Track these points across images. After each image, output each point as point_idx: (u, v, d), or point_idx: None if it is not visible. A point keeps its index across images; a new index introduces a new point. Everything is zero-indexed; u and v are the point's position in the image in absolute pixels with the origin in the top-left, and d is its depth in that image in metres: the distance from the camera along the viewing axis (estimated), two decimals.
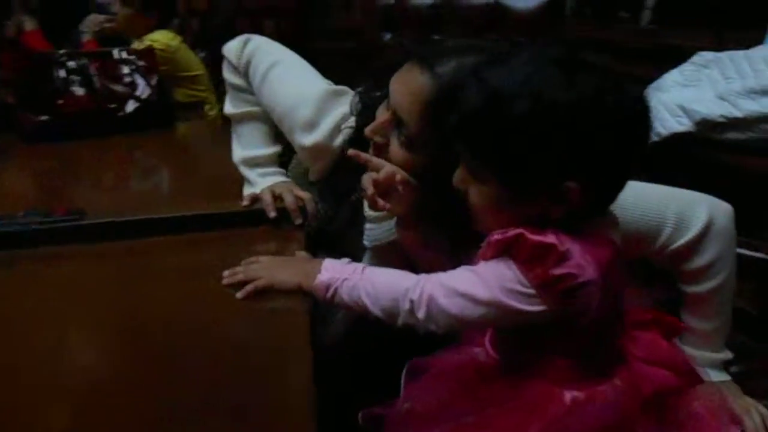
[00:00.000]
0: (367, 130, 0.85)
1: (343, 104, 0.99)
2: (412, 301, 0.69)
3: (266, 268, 0.80)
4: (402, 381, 0.84)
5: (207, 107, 2.13)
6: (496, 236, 0.65)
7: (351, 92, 1.01)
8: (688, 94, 1.96)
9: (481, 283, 0.66)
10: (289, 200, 0.97)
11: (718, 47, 2.05)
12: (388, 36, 1.82)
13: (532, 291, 0.64)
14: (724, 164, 1.77)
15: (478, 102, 0.64)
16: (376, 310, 0.72)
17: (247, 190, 1.06)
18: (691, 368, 0.74)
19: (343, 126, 0.98)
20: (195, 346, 0.68)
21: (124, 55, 1.53)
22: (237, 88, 1.09)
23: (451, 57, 0.78)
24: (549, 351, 0.70)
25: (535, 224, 0.65)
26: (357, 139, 0.93)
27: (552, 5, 1.59)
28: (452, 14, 1.70)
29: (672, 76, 2.06)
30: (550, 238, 0.62)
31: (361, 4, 1.86)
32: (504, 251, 0.65)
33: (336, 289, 0.74)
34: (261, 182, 1.05)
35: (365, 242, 0.94)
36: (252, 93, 1.07)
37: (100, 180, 1.24)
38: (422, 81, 0.78)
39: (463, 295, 0.66)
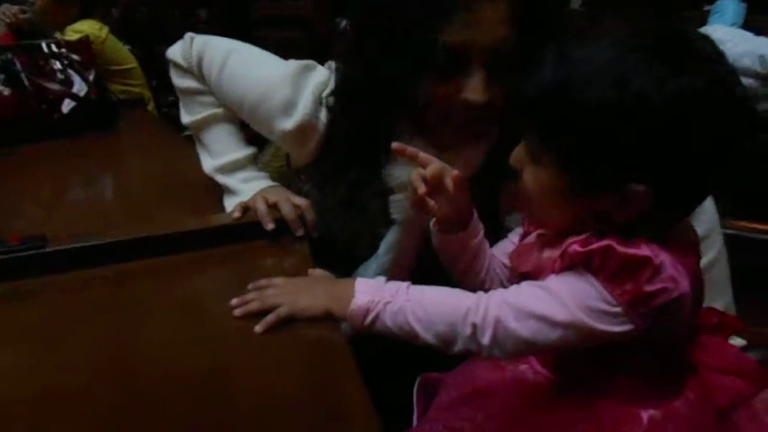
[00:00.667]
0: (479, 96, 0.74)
1: (317, 75, 0.90)
2: (474, 325, 0.60)
3: (285, 293, 0.69)
4: (414, 397, 0.76)
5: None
6: (575, 247, 0.57)
7: (318, 65, 0.92)
8: None
9: (556, 302, 0.58)
10: (287, 210, 0.86)
11: None
12: (343, 22, 1.71)
13: (619, 309, 0.56)
14: None
15: (554, 79, 0.56)
16: (428, 337, 0.63)
17: (231, 200, 0.94)
18: (761, 372, 0.70)
19: (323, 95, 0.88)
20: (208, 403, 0.55)
21: (55, 48, 1.34)
22: (191, 92, 0.99)
23: None
24: (619, 368, 0.64)
25: (592, 224, 0.58)
26: (342, 103, 0.86)
27: None
28: None
29: None
30: (644, 250, 0.54)
31: None
32: (583, 264, 0.57)
33: (377, 315, 0.64)
34: (246, 189, 0.94)
35: (395, 216, 0.86)
36: (209, 93, 0.97)
37: (47, 196, 1.07)
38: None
39: (538, 317, 0.58)
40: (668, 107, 0.52)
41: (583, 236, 0.58)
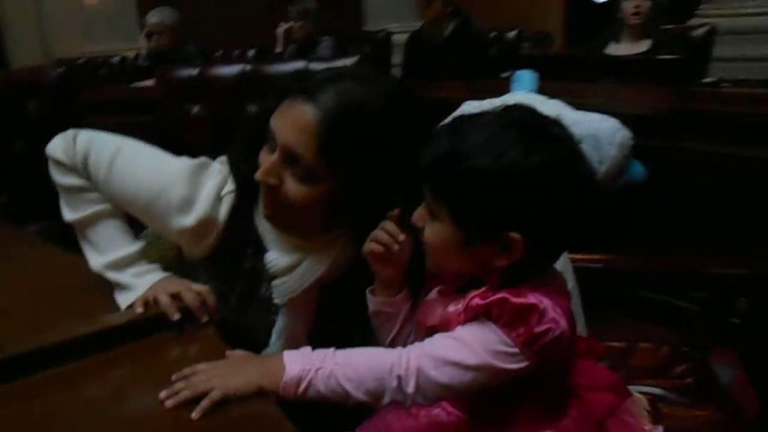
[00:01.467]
0: (259, 174, 0.84)
1: (212, 174, 0.95)
2: (399, 377, 0.69)
3: (214, 377, 0.71)
4: None
5: None
6: (476, 300, 0.69)
7: (212, 161, 0.97)
8: None
9: (466, 349, 0.69)
10: (190, 298, 0.88)
11: (476, 96, 2.39)
12: (195, 108, 1.76)
13: (516, 350, 0.69)
14: None
15: (447, 150, 0.70)
16: (359, 394, 0.70)
17: (125, 296, 0.93)
18: (624, 386, 0.86)
19: (222, 194, 0.93)
20: None
21: None
22: (75, 190, 0.97)
23: (327, 86, 0.82)
24: (519, 399, 0.76)
25: (480, 271, 0.72)
26: (244, 199, 0.92)
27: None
28: (262, 81, 1.71)
29: None
30: (531, 299, 0.68)
31: (160, 75, 1.76)
32: (483, 314, 0.69)
33: (310, 382, 0.70)
34: (140, 283, 0.94)
35: (277, 300, 0.92)
36: (94, 190, 0.96)
37: None
38: (309, 112, 0.80)
39: (453, 364, 0.69)
40: (533, 173, 0.68)
41: (481, 290, 0.70)
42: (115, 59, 4.25)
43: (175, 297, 0.89)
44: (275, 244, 0.92)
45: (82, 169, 0.95)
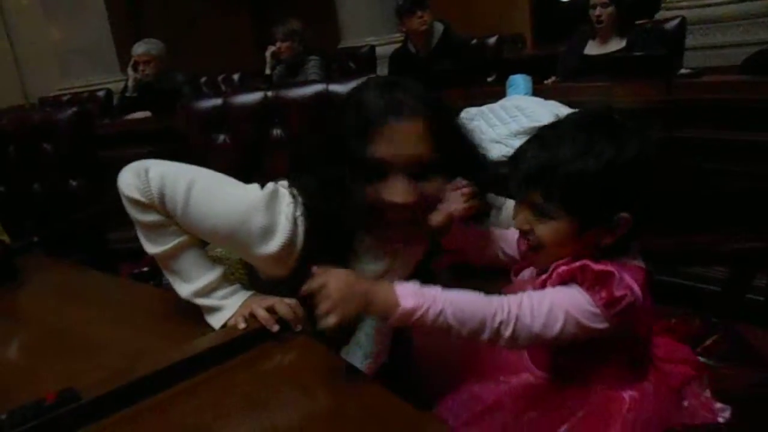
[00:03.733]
0: (407, 201, 0.92)
1: (284, 198, 1.00)
2: (501, 322, 0.80)
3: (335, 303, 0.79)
4: None
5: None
6: (562, 267, 0.80)
7: (279, 187, 1.02)
8: None
9: (557, 306, 0.80)
10: (284, 310, 0.96)
11: (473, 103, 2.50)
12: (220, 137, 1.83)
13: (597, 311, 0.79)
14: None
15: (548, 160, 0.81)
16: (463, 331, 0.80)
17: (217, 317, 1.01)
18: (698, 361, 0.97)
19: (296, 216, 0.99)
20: None
21: None
22: (156, 225, 1.01)
23: (411, 98, 0.93)
24: (600, 362, 0.86)
25: (590, 252, 0.82)
26: (317, 221, 0.99)
27: None
28: (285, 106, 1.79)
29: None
30: (609, 267, 0.79)
31: (182, 109, 1.83)
32: (570, 279, 0.80)
33: (421, 316, 0.79)
34: (229, 304, 1.02)
35: None
36: (173, 224, 1.01)
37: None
38: (417, 123, 0.92)
39: (545, 315, 0.79)
40: (630, 163, 0.79)
41: (565, 260, 0.81)
42: (101, 93, 4.27)
43: (270, 311, 0.97)
44: (368, 254, 1.01)
45: (159, 205, 0.98)
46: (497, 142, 2.29)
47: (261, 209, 0.97)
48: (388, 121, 0.91)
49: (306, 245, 1.00)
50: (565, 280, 0.82)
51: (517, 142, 2.22)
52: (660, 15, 3.57)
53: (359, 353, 1.04)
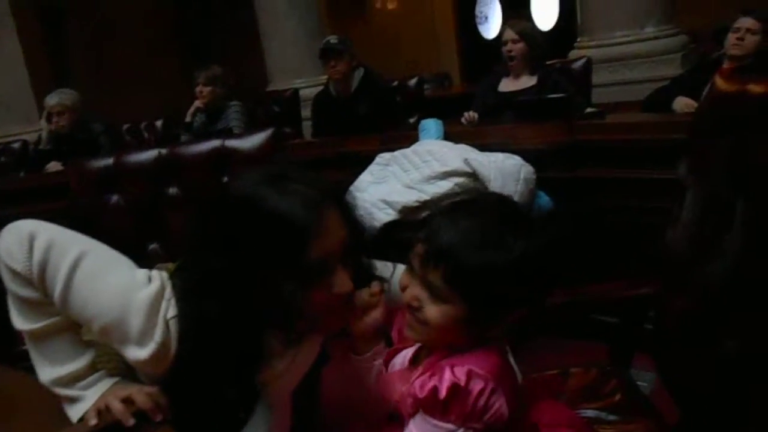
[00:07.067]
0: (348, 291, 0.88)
1: (166, 300, 0.91)
2: None
3: None
4: None
5: None
6: (415, 392, 0.79)
7: (161, 280, 0.93)
8: (383, 188, 2.33)
9: None
10: (143, 400, 0.90)
11: (387, 148, 2.51)
12: (113, 197, 1.76)
13: (461, 429, 0.77)
14: None
15: (456, 243, 0.77)
16: None
17: (76, 408, 0.94)
18: (582, 420, 0.96)
19: (168, 318, 0.90)
20: None
21: None
22: (30, 302, 0.92)
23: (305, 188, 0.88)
24: None
25: (470, 341, 0.80)
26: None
27: (271, 140, 1.77)
28: (181, 163, 1.74)
29: (365, 177, 2.43)
30: (458, 374, 0.77)
31: (73, 169, 1.76)
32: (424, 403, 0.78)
33: None
34: (90, 394, 0.94)
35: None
36: (50, 304, 0.92)
37: None
38: (330, 208, 0.87)
39: None
40: (536, 261, 0.77)
41: (421, 372, 0.81)
42: (16, 144, 4.10)
43: (127, 401, 0.90)
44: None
45: (38, 282, 0.90)
46: (411, 188, 2.29)
47: (143, 312, 0.89)
48: (312, 221, 0.83)
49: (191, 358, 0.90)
50: (417, 409, 0.80)
51: (431, 187, 2.26)
52: (573, 54, 3.71)
53: None
